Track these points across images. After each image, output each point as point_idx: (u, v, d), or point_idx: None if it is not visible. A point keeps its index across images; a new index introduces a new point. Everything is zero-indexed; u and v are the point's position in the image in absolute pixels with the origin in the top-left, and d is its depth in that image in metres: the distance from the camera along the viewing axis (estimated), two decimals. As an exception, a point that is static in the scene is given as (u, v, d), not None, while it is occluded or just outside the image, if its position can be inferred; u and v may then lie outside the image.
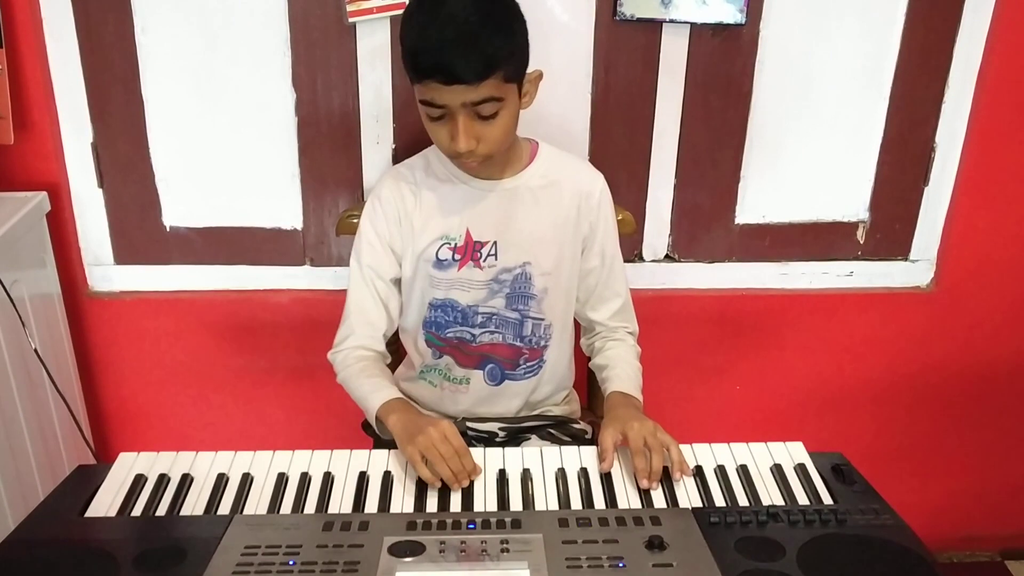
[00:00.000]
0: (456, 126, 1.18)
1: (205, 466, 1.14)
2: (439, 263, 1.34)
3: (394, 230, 1.35)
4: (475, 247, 1.33)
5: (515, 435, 1.41)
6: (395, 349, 1.53)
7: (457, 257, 1.33)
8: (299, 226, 1.68)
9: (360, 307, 1.37)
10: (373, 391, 1.27)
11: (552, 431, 1.43)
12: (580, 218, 1.36)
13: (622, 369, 1.36)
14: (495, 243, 1.33)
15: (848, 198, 1.72)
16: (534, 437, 1.42)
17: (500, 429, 1.40)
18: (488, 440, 1.40)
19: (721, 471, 1.14)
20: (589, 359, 1.46)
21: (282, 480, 1.11)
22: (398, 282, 1.39)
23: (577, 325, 1.48)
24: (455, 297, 1.35)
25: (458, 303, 1.35)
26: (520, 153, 1.35)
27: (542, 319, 1.37)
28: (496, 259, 1.33)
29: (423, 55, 1.14)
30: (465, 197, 1.33)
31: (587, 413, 1.57)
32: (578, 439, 1.43)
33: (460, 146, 1.19)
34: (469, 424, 1.40)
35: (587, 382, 1.57)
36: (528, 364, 1.40)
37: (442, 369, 1.41)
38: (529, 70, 1.24)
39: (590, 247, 1.38)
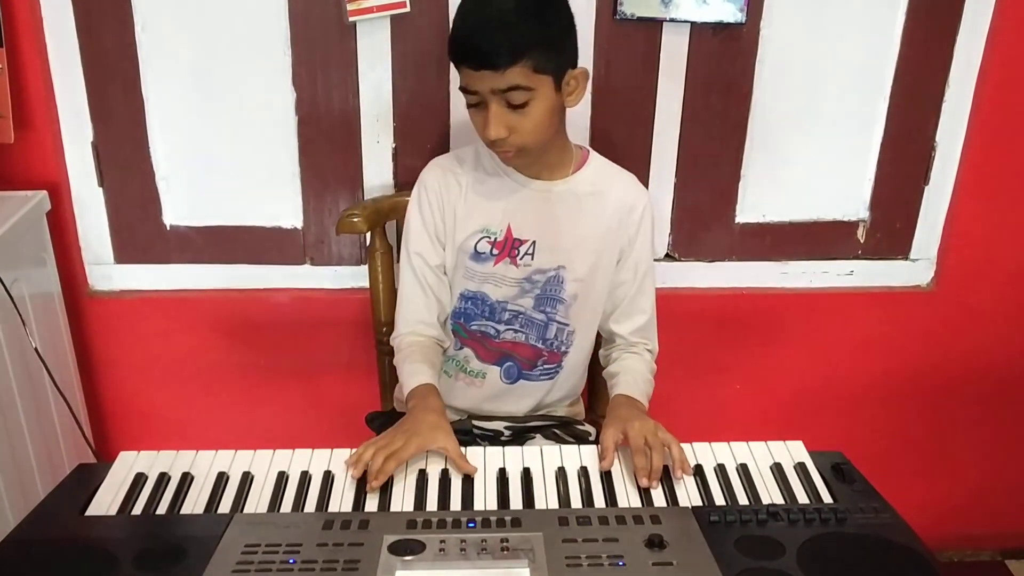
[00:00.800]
0: (488, 114, 1.19)
1: (205, 465, 1.14)
2: (477, 255, 1.34)
3: (438, 218, 1.36)
4: (514, 244, 1.33)
5: (520, 434, 1.41)
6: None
7: (495, 252, 1.34)
8: (299, 225, 1.68)
9: (410, 296, 1.38)
10: (409, 376, 1.31)
11: (557, 431, 1.43)
12: (620, 230, 1.36)
13: (631, 377, 1.36)
14: (534, 242, 1.33)
15: (848, 197, 1.72)
16: (539, 436, 1.42)
17: (506, 428, 1.40)
18: (493, 439, 1.40)
19: (721, 470, 1.14)
20: (604, 368, 1.45)
21: (282, 479, 1.11)
22: (444, 269, 1.39)
23: (598, 337, 1.47)
24: (487, 291, 1.36)
25: (488, 297, 1.36)
26: (569, 157, 1.35)
27: (567, 324, 1.38)
28: (532, 258, 1.34)
29: (458, 39, 1.18)
30: (510, 193, 1.34)
31: (588, 414, 1.57)
32: (582, 440, 1.43)
33: (490, 133, 1.20)
34: (476, 423, 1.40)
35: (588, 384, 1.57)
36: (546, 367, 1.40)
37: (460, 361, 1.42)
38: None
39: (625, 260, 1.38)
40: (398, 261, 1.66)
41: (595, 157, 1.38)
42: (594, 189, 1.35)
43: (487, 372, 1.41)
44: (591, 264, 1.35)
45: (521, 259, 1.34)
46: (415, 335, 1.37)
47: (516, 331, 1.37)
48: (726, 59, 1.59)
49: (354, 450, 1.15)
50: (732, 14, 1.53)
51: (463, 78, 1.20)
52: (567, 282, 1.35)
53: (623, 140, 1.64)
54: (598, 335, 1.47)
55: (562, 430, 1.43)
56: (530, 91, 1.18)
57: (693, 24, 1.55)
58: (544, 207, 1.33)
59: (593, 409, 1.59)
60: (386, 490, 1.10)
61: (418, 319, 1.38)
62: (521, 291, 1.35)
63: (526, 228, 1.33)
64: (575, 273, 1.35)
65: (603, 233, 1.35)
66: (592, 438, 1.45)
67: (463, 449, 1.16)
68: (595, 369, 1.51)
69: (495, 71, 1.15)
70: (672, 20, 1.53)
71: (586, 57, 1.56)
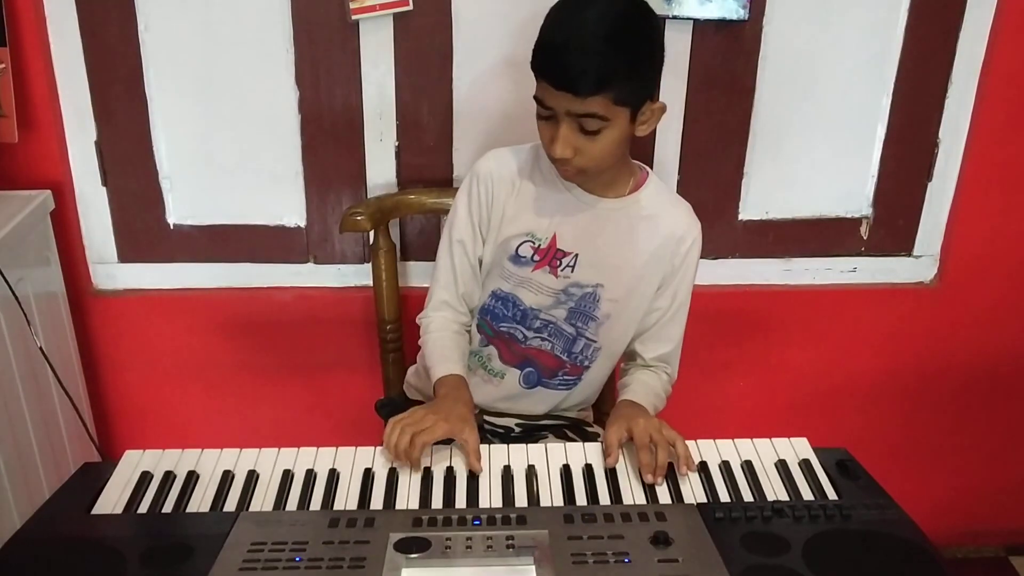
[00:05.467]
0: (558, 131, 1.17)
1: (210, 463, 1.14)
2: (517, 258, 1.33)
3: (484, 212, 1.34)
4: (556, 254, 1.31)
5: (530, 432, 1.41)
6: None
7: (536, 258, 1.32)
8: (302, 223, 1.69)
9: (444, 279, 1.38)
10: (441, 362, 1.32)
11: (567, 431, 1.43)
12: (665, 259, 1.33)
13: (642, 388, 1.34)
14: (576, 256, 1.31)
15: (851, 194, 1.72)
16: (550, 436, 1.42)
17: (517, 425, 1.40)
18: (504, 436, 1.40)
19: (726, 467, 1.14)
20: (619, 379, 1.44)
21: (287, 477, 1.11)
22: (481, 261, 1.38)
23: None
24: (520, 295, 1.34)
25: (522, 302, 1.34)
26: (628, 177, 1.32)
27: (595, 341, 1.36)
28: (572, 271, 1.32)
29: (544, 53, 1.15)
30: (563, 203, 1.31)
31: (594, 413, 1.57)
32: (592, 441, 1.43)
33: (556, 151, 1.18)
34: (487, 418, 1.40)
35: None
36: (565, 378, 1.39)
37: (483, 358, 1.40)
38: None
39: (665, 288, 1.36)
40: (401, 259, 1.66)
41: (653, 180, 1.34)
42: (648, 213, 1.32)
43: (507, 373, 1.39)
44: (629, 287, 1.33)
45: (562, 270, 1.32)
46: (445, 318, 1.38)
47: (544, 339, 1.36)
48: (729, 56, 1.59)
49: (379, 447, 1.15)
50: (735, 11, 1.53)
51: (539, 90, 1.17)
52: (603, 301, 1.33)
53: (626, 137, 1.63)
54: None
55: (572, 431, 1.44)
56: (606, 121, 1.15)
57: (696, 21, 1.55)
58: (594, 223, 1.31)
59: (598, 408, 1.59)
60: (391, 488, 1.10)
61: (450, 302, 1.38)
62: (556, 302, 1.33)
63: (571, 241, 1.31)
64: (612, 293, 1.33)
65: (648, 259, 1.32)
66: (600, 438, 1.45)
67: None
68: (610, 377, 1.50)
69: (575, 96, 1.12)
70: (675, 17, 1.53)
71: (589, 54, 1.56)
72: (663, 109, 1.23)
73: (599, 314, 1.34)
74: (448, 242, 1.37)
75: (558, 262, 1.31)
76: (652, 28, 1.18)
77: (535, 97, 1.18)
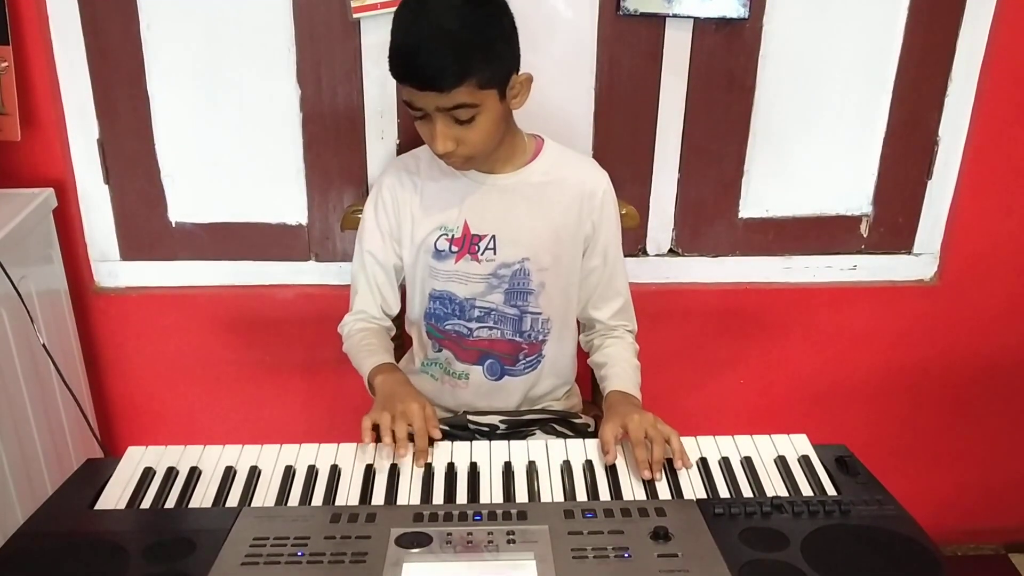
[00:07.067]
0: (434, 128, 1.20)
1: (213, 459, 1.15)
2: (437, 254, 1.35)
3: (393, 220, 1.37)
4: (473, 240, 1.34)
5: (516, 428, 1.42)
6: (400, 342, 1.54)
7: (455, 249, 1.34)
8: (304, 221, 1.69)
9: (359, 289, 1.42)
10: (367, 357, 1.34)
11: (555, 426, 1.44)
12: (582, 217, 1.36)
13: (620, 367, 1.37)
14: (493, 237, 1.33)
15: (851, 192, 1.72)
16: (538, 432, 1.43)
17: (501, 422, 1.41)
18: (489, 434, 1.41)
19: (725, 463, 1.14)
20: (588, 355, 1.47)
21: (289, 473, 1.12)
22: (400, 269, 1.41)
23: (578, 322, 1.48)
24: (452, 289, 1.36)
25: (456, 295, 1.36)
26: (523, 149, 1.35)
27: (539, 313, 1.38)
28: (495, 253, 1.34)
29: (398, 58, 1.17)
30: (465, 190, 1.34)
31: (590, 407, 1.57)
32: (581, 433, 1.44)
33: (438, 148, 1.21)
34: (470, 417, 1.41)
35: (590, 377, 1.58)
36: (528, 359, 1.41)
37: (442, 363, 1.42)
38: (527, 69, 1.24)
39: (592, 247, 1.39)
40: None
41: (550, 146, 1.38)
42: (549, 178, 1.35)
43: (470, 372, 1.41)
44: (555, 253, 1.36)
45: (483, 255, 1.34)
46: (365, 321, 1.41)
47: (490, 328, 1.38)
48: (729, 54, 1.59)
49: (363, 443, 1.16)
50: (735, 9, 1.54)
51: (406, 94, 1.19)
52: (533, 272, 1.35)
53: (626, 136, 1.64)
54: (578, 321, 1.47)
55: (560, 425, 1.44)
56: (475, 107, 1.18)
57: (696, 19, 1.55)
58: (500, 201, 1.34)
59: (596, 403, 1.59)
60: (393, 484, 1.10)
61: (364, 310, 1.42)
62: (489, 287, 1.35)
63: (484, 223, 1.34)
64: (540, 263, 1.35)
65: (563, 221, 1.35)
66: (591, 429, 1.45)
67: (467, 444, 1.18)
68: (587, 368, 1.51)
69: (440, 92, 1.15)
70: (675, 15, 1.54)
71: (589, 52, 1.57)
72: (530, 79, 1.26)
73: (533, 285, 1.36)
74: (360, 253, 1.40)
75: (476, 247, 1.34)
76: (497, 5, 1.20)
77: (403, 101, 1.20)
